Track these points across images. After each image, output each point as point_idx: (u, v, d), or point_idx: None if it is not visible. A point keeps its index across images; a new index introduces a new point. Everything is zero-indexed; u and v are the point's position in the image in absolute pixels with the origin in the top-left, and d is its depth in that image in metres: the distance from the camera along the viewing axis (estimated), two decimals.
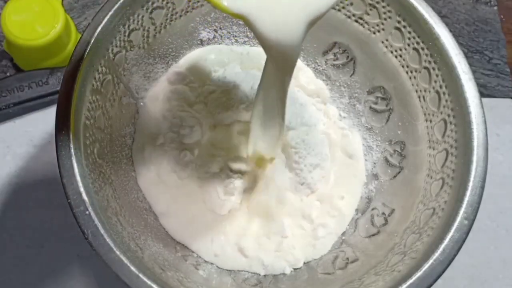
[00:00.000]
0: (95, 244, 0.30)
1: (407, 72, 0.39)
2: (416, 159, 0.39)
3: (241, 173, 0.40)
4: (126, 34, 0.37)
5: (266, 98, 0.34)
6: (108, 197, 0.34)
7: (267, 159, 0.40)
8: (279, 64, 0.31)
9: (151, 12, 0.38)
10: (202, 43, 0.44)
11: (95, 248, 0.30)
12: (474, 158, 0.33)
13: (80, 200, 0.30)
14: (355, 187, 0.42)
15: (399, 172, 0.40)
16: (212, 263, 0.39)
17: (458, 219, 0.32)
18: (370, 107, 0.43)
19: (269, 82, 0.33)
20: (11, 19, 0.43)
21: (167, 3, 0.39)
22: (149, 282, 0.29)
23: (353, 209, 0.41)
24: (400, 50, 0.39)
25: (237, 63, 0.44)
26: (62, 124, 0.32)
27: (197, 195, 0.40)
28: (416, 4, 0.37)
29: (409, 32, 0.38)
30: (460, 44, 0.39)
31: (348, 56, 0.43)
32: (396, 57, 0.40)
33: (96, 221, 0.30)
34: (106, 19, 0.35)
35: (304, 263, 0.39)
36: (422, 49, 0.38)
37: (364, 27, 0.41)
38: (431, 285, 0.31)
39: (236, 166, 0.40)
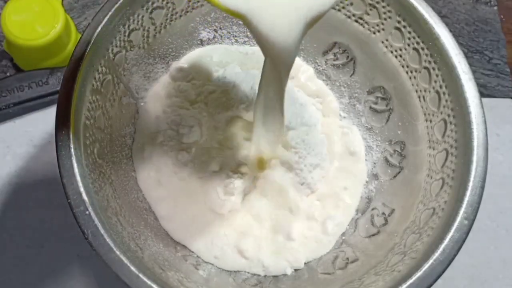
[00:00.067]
0: (95, 244, 0.30)
1: (407, 72, 0.39)
2: (416, 159, 0.39)
3: (241, 173, 0.40)
4: (126, 34, 0.37)
5: (266, 97, 0.35)
6: (108, 197, 0.34)
7: (268, 159, 0.40)
8: (277, 63, 0.31)
9: (151, 12, 0.38)
10: (202, 43, 0.44)
11: (95, 248, 0.30)
12: (474, 158, 0.33)
13: (80, 200, 0.30)
14: (357, 180, 0.42)
15: (399, 172, 0.40)
16: (212, 264, 0.39)
17: (458, 219, 0.32)
18: (370, 107, 0.43)
19: (268, 81, 0.33)
20: (11, 19, 0.43)
21: (167, 3, 0.39)
22: (149, 282, 0.29)
23: (357, 199, 0.41)
24: (400, 50, 0.39)
25: (237, 63, 0.44)
26: (62, 124, 0.32)
27: (197, 195, 0.40)
28: (416, 4, 0.37)
29: (409, 32, 0.38)
30: (460, 44, 0.39)
31: (348, 56, 0.43)
32: (396, 57, 0.40)
33: (96, 221, 0.30)
34: (106, 19, 0.35)
35: (305, 263, 0.39)
36: (422, 49, 0.38)
37: (364, 27, 0.41)
38: (431, 285, 0.31)
39: (236, 166, 0.40)
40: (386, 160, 0.42)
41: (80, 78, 0.33)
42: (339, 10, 0.41)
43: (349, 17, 0.41)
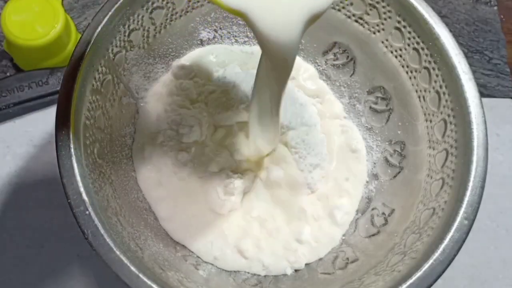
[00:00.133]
0: (95, 244, 0.30)
1: (407, 72, 0.39)
2: (416, 159, 0.39)
3: (241, 173, 0.40)
4: (126, 34, 0.37)
5: (261, 98, 0.34)
6: (108, 197, 0.34)
7: (267, 157, 0.40)
8: (276, 62, 0.31)
9: (151, 12, 0.38)
10: (202, 43, 0.44)
11: (95, 248, 0.30)
12: (474, 158, 0.33)
13: (80, 200, 0.30)
14: (358, 180, 0.42)
15: (399, 172, 0.40)
16: (212, 264, 0.39)
17: (458, 219, 0.32)
18: (370, 107, 0.43)
19: (264, 81, 0.33)
20: (11, 19, 0.43)
21: (167, 3, 0.39)
22: (149, 282, 0.29)
23: (360, 191, 0.41)
24: (400, 50, 0.39)
25: (237, 63, 0.44)
26: (62, 124, 0.32)
27: (197, 195, 0.40)
28: (416, 4, 0.37)
29: (409, 32, 0.38)
30: (460, 44, 0.39)
31: (348, 56, 0.43)
32: (396, 57, 0.40)
33: (96, 221, 0.30)
34: (106, 19, 0.35)
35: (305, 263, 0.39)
36: (422, 49, 0.38)
37: (364, 27, 0.41)
38: (431, 285, 0.31)
39: (236, 166, 0.40)
40: (386, 160, 0.42)
41: (80, 78, 0.33)
42: (339, 10, 0.41)
43: (349, 17, 0.41)
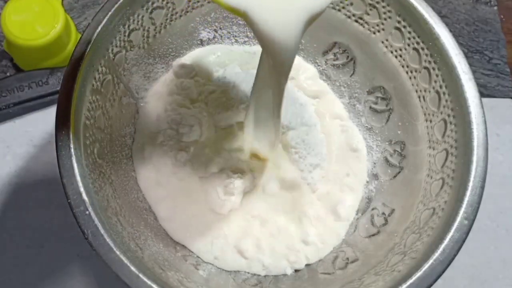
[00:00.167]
0: (95, 244, 0.30)
1: (407, 72, 0.39)
2: (416, 159, 0.39)
3: (241, 173, 0.40)
4: (126, 34, 0.37)
5: (261, 99, 0.34)
6: (108, 197, 0.34)
7: (265, 158, 0.40)
8: (277, 61, 0.31)
9: (151, 12, 0.38)
10: (202, 43, 0.44)
11: (95, 248, 0.30)
12: (474, 158, 0.33)
13: (80, 200, 0.30)
14: (358, 180, 0.42)
15: (399, 172, 0.40)
16: (212, 264, 0.39)
17: (458, 219, 0.32)
18: (370, 107, 0.43)
19: (264, 82, 0.33)
20: (11, 19, 0.43)
21: (167, 3, 0.39)
22: (149, 282, 0.29)
23: (361, 188, 0.41)
24: (400, 50, 0.39)
25: (237, 63, 0.44)
26: (62, 124, 0.32)
27: (197, 195, 0.40)
28: (416, 4, 0.37)
29: (409, 32, 0.38)
30: (460, 44, 0.39)
31: (348, 56, 0.43)
32: (396, 57, 0.40)
33: (96, 221, 0.30)
34: (106, 19, 0.35)
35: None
36: (422, 49, 0.38)
37: (364, 27, 0.41)
38: (431, 285, 0.31)
39: (236, 166, 0.40)
40: (386, 160, 0.42)
41: (80, 78, 0.33)
42: (339, 10, 0.41)
43: (349, 17, 0.41)
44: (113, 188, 0.35)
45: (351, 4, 0.40)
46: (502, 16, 0.54)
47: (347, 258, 0.38)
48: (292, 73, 0.43)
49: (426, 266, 0.31)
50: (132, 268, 0.29)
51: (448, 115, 0.36)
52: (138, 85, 0.41)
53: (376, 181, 0.42)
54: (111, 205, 0.34)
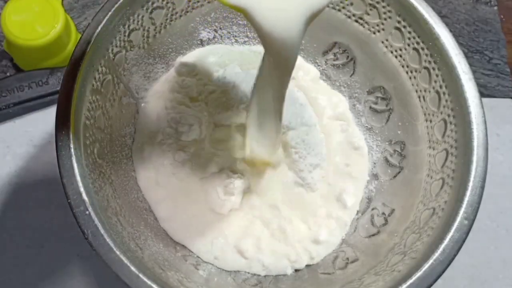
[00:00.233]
0: (95, 244, 0.30)
1: (407, 72, 0.39)
2: (416, 159, 0.39)
3: (241, 173, 0.40)
4: (126, 34, 0.37)
5: (262, 99, 0.34)
6: (108, 197, 0.34)
7: (265, 162, 0.40)
8: (279, 60, 0.30)
9: (151, 12, 0.38)
10: (202, 43, 0.44)
11: (95, 248, 0.30)
12: (474, 158, 0.33)
13: (80, 200, 0.30)
14: (359, 179, 0.42)
15: (399, 172, 0.40)
16: (212, 264, 0.39)
17: (458, 219, 0.32)
18: (370, 107, 0.43)
19: (266, 82, 0.33)
20: (11, 19, 0.43)
21: (167, 3, 0.39)
22: (149, 282, 0.29)
23: (365, 178, 0.41)
24: (400, 50, 0.39)
25: (237, 63, 0.44)
26: (62, 124, 0.32)
27: (196, 195, 0.40)
28: (416, 4, 0.37)
29: (409, 32, 0.38)
30: (460, 44, 0.39)
31: (348, 56, 0.43)
32: (396, 57, 0.40)
33: (96, 221, 0.30)
34: (106, 19, 0.35)
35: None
36: (422, 49, 0.38)
37: (364, 27, 0.41)
38: (431, 285, 0.31)
39: (235, 166, 0.40)
40: (386, 160, 0.42)
41: (80, 78, 0.33)
42: (339, 10, 0.41)
43: (349, 17, 0.41)
44: (113, 188, 0.35)
45: (351, 4, 0.40)
46: (502, 16, 0.54)
47: (347, 258, 0.38)
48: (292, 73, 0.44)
49: (426, 266, 0.31)
50: (132, 268, 0.29)
51: (448, 115, 0.36)
52: (138, 85, 0.41)
53: (376, 181, 0.42)
54: (111, 205, 0.34)
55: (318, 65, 0.45)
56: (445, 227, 0.32)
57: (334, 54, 0.44)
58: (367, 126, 0.43)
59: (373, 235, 0.39)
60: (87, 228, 0.30)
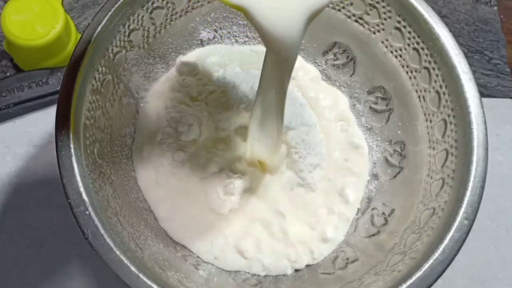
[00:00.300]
0: (95, 244, 0.30)
1: (407, 72, 0.39)
2: (416, 159, 0.39)
3: (241, 173, 0.40)
4: (126, 34, 0.37)
5: (264, 99, 0.34)
6: (108, 197, 0.34)
7: (265, 162, 0.40)
8: (279, 59, 0.30)
9: (151, 12, 0.38)
10: (202, 43, 0.44)
11: (95, 248, 0.30)
12: (474, 158, 0.33)
13: (80, 200, 0.30)
14: (360, 176, 0.42)
15: (399, 172, 0.40)
16: (212, 264, 0.39)
17: (458, 219, 0.32)
18: (370, 107, 0.43)
19: (268, 81, 0.33)
20: (11, 19, 0.43)
21: (167, 3, 0.39)
22: (149, 282, 0.29)
23: (365, 176, 0.42)
24: (400, 50, 0.39)
25: (237, 63, 0.44)
26: (62, 124, 0.32)
27: (196, 195, 0.40)
28: (416, 4, 0.37)
29: (409, 32, 0.38)
30: (460, 44, 0.39)
31: (348, 56, 0.43)
32: (396, 57, 0.40)
33: (96, 221, 0.30)
34: (106, 19, 0.35)
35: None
36: (422, 49, 0.38)
37: (364, 27, 0.41)
38: (431, 285, 0.31)
39: (235, 166, 0.40)
40: (386, 160, 0.42)
41: (80, 78, 0.33)
42: (339, 10, 0.41)
43: (349, 17, 0.41)
44: (113, 188, 0.35)
45: (351, 4, 0.40)
46: (502, 16, 0.54)
47: (347, 258, 0.38)
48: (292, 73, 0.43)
49: (426, 266, 0.31)
50: (132, 268, 0.29)
51: (448, 115, 0.36)
52: (138, 85, 0.41)
53: (376, 181, 0.42)
54: (111, 205, 0.34)
55: (318, 65, 0.45)
56: (445, 227, 0.32)
57: (334, 54, 0.44)
58: (367, 126, 0.43)
59: (373, 235, 0.39)
60: (87, 228, 0.30)
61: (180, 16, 0.41)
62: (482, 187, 0.33)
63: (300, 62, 0.44)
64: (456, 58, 0.36)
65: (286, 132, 0.41)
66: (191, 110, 0.41)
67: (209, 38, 0.44)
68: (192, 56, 0.44)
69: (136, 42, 0.38)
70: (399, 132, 0.41)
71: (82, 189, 0.30)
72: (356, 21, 0.41)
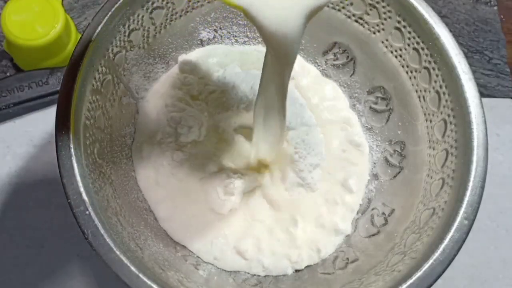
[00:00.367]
0: (95, 244, 0.30)
1: (407, 72, 0.39)
2: (416, 159, 0.39)
3: (241, 173, 0.40)
4: (126, 34, 0.37)
5: (266, 96, 0.34)
6: (108, 197, 0.34)
7: (268, 163, 0.40)
8: (280, 56, 0.31)
9: (151, 12, 0.38)
10: (202, 43, 0.44)
11: (95, 248, 0.30)
12: (474, 158, 0.33)
13: (80, 200, 0.30)
14: (361, 172, 0.42)
15: (399, 172, 0.40)
16: (212, 264, 0.39)
17: (458, 219, 0.32)
18: (370, 107, 0.43)
19: (269, 79, 0.33)
20: (11, 19, 0.43)
21: (167, 3, 0.39)
22: (149, 282, 0.29)
23: (366, 176, 0.42)
24: (400, 50, 0.39)
25: (237, 63, 0.44)
26: (62, 124, 0.32)
27: (196, 195, 0.40)
28: (416, 4, 0.37)
29: (409, 32, 0.38)
30: (460, 44, 0.39)
31: (348, 56, 0.43)
32: (396, 57, 0.40)
33: (96, 221, 0.30)
34: (106, 19, 0.35)
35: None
36: (422, 49, 0.38)
37: (364, 27, 0.41)
38: (431, 285, 0.31)
39: (235, 166, 0.40)
40: (386, 160, 0.42)
41: (80, 78, 0.33)
42: (339, 10, 0.41)
43: (349, 17, 0.41)
44: (113, 188, 0.35)
45: (351, 4, 0.40)
46: (502, 16, 0.54)
47: (347, 258, 0.38)
48: (292, 73, 0.44)
49: (426, 266, 0.31)
50: (132, 268, 0.29)
51: (448, 115, 0.36)
52: (138, 85, 0.41)
53: (376, 181, 0.42)
54: (111, 205, 0.34)
55: (318, 65, 0.45)
56: (445, 227, 0.32)
57: (334, 54, 0.44)
58: (367, 126, 0.43)
59: (373, 235, 0.39)
60: (87, 228, 0.30)
61: (180, 16, 0.41)
62: (482, 187, 0.33)
63: (300, 62, 0.45)
64: (456, 58, 0.36)
65: (286, 132, 0.41)
66: (191, 110, 0.41)
67: (209, 38, 0.44)
68: (192, 56, 0.44)
69: (136, 42, 0.38)
70: (399, 132, 0.41)
71: (82, 189, 0.30)
72: (356, 21, 0.41)
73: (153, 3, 0.38)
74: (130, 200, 0.38)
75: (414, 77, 0.39)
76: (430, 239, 0.33)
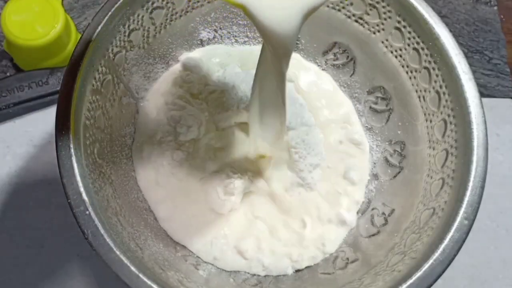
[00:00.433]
0: (95, 244, 0.30)
1: (407, 72, 0.39)
2: (416, 159, 0.39)
3: (241, 173, 0.40)
4: (126, 34, 0.37)
5: (262, 90, 0.34)
6: (108, 197, 0.34)
7: (267, 158, 0.40)
8: (277, 50, 0.31)
9: (151, 12, 0.38)
10: (202, 43, 0.44)
11: (95, 248, 0.30)
12: (474, 158, 0.33)
13: (80, 200, 0.30)
14: (363, 169, 0.42)
15: (399, 172, 0.40)
16: (212, 264, 0.39)
17: (458, 219, 0.32)
18: (370, 107, 0.43)
19: (266, 73, 0.33)
20: (11, 19, 0.43)
21: (167, 3, 0.39)
22: (149, 282, 0.29)
23: (366, 175, 0.42)
24: (400, 50, 0.39)
25: (237, 63, 0.44)
26: (62, 124, 0.32)
27: (196, 195, 0.40)
28: (416, 4, 0.37)
29: (409, 32, 0.38)
30: (460, 44, 0.39)
31: (348, 56, 0.43)
32: (396, 57, 0.40)
33: (96, 221, 0.30)
34: (106, 19, 0.35)
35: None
36: (422, 49, 0.38)
37: (364, 27, 0.41)
38: (431, 285, 0.31)
39: (235, 166, 0.40)
40: (386, 160, 0.42)
41: (80, 78, 0.33)
42: (339, 10, 0.41)
43: (349, 17, 0.41)
44: (113, 188, 0.35)
45: (351, 4, 0.40)
46: (502, 16, 0.54)
47: (347, 258, 0.38)
48: (292, 75, 0.44)
49: (426, 266, 0.31)
50: (132, 268, 0.29)
51: (448, 115, 0.36)
52: (138, 85, 0.41)
53: (376, 181, 0.42)
54: (111, 205, 0.34)
55: (318, 65, 0.45)
56: (445, 227, 0.32)
57: (334, 54, 0.44)
58: (367, 126, 0.43)
59: (373, 235, 0.39)
60: (87, 228, 0.30)
61: (180, 16, 0.41)
62: (482, 187, 0.33)
63: (300, 62, 0.45)
64: (456, 58, 0.36)
65: (286, 132, 0.41)
66: (191, 109, 0.41)
67: (209, 38, 0.44)
68: (192, 56, 0.44)
69: (136, 42, 0.38)
70: (399, 132, 0.41)
71: (82, 189, 0.30)
72: (356, 21, 0.41)
73: (153, 3, 0.38)
74: (130, 200, 0.38)
75: (414, 77, 0.39)
76: (430, 239, 0.33)
